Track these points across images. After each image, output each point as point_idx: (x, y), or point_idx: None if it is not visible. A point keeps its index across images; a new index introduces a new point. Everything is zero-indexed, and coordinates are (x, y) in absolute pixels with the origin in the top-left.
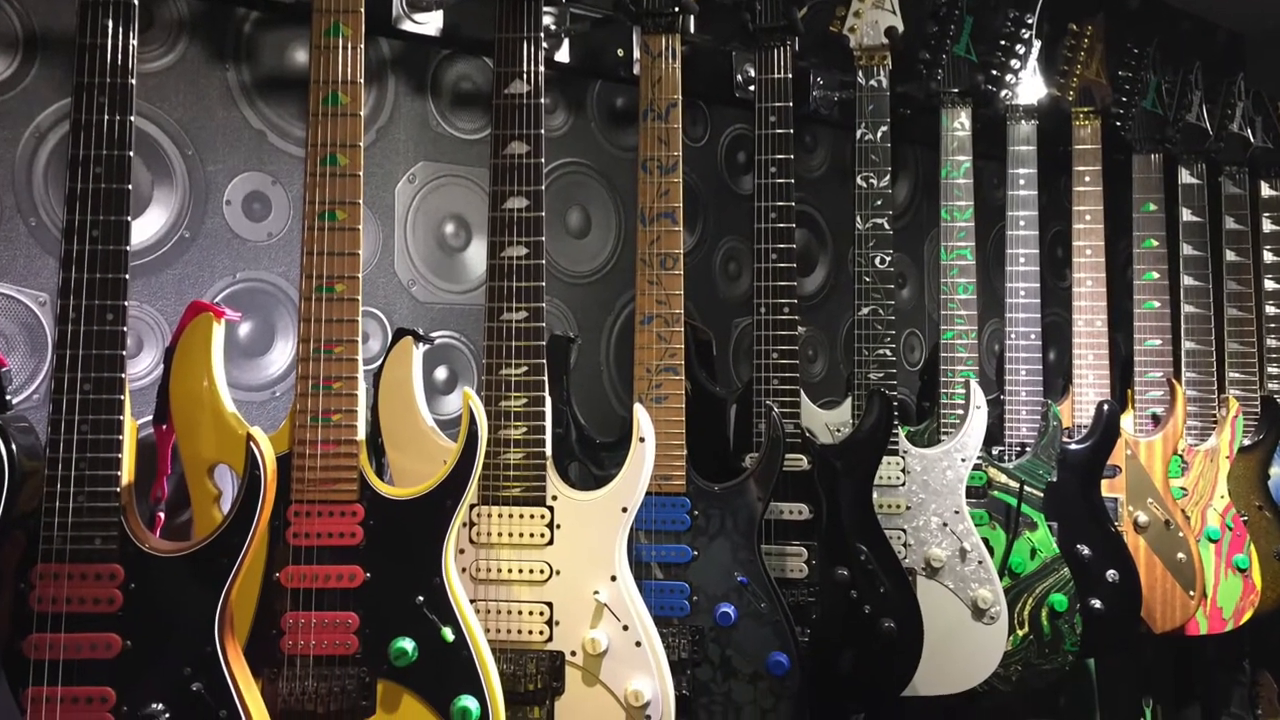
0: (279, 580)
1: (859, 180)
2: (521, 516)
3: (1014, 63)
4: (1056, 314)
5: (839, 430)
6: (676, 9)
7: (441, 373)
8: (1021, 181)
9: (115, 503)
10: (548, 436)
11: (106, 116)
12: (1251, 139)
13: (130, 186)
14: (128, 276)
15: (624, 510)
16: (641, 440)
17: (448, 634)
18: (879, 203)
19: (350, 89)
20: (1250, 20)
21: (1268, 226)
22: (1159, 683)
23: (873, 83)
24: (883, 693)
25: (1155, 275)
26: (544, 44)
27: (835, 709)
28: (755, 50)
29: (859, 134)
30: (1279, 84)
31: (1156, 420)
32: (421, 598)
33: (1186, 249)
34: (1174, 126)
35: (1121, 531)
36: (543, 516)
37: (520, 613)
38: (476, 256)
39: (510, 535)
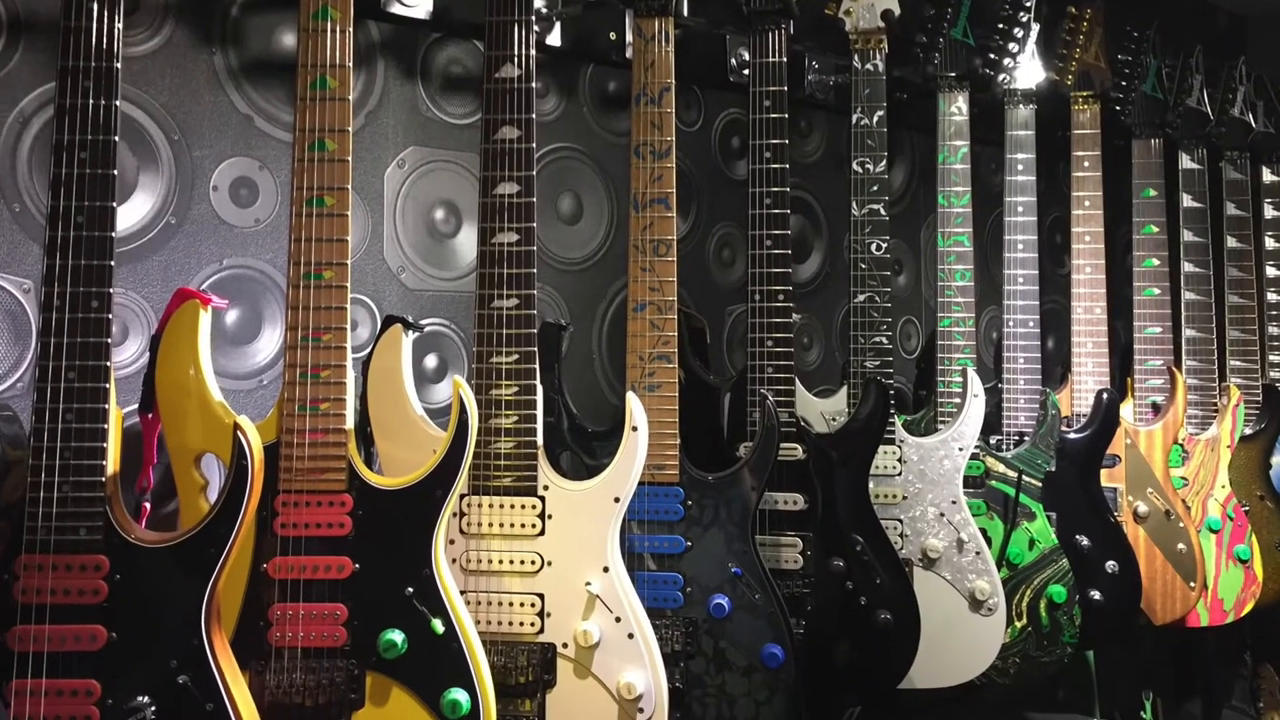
0: (266, 571)
1: (855, 165)
2: (512, 506)
3: (1012, 46)
4: (1055, 301)
5: (834, 419)
6: None
7: (431, 361)
8: (1020, 167)
9: (100, 493)
10: (539, 425)
11: (91, 101)
12: (1253, 123)
13: (115, 172)
14: (113, 263)
15: (616, 500)
16: (634, 429)
17: (438, 626)
18: (875, 188)
19: (339, 73)
20: (1251, 3)
21: (1269, 212)
22: (1159, 675)
23: (868, 66)
24: (879, 685)
25: (1155, 262)
26: (535, 27)
27: (830, 702)
28: (749, 33)
29: (855, 118)
30: None
31: (1156, 409)
32: (411, 589)
33: (1187, 235)
34: (1174, 111)
35: (1121, 522)
36: (534, 506)
37: (511, 604)
38: (467, 243)
39: (501, 525)
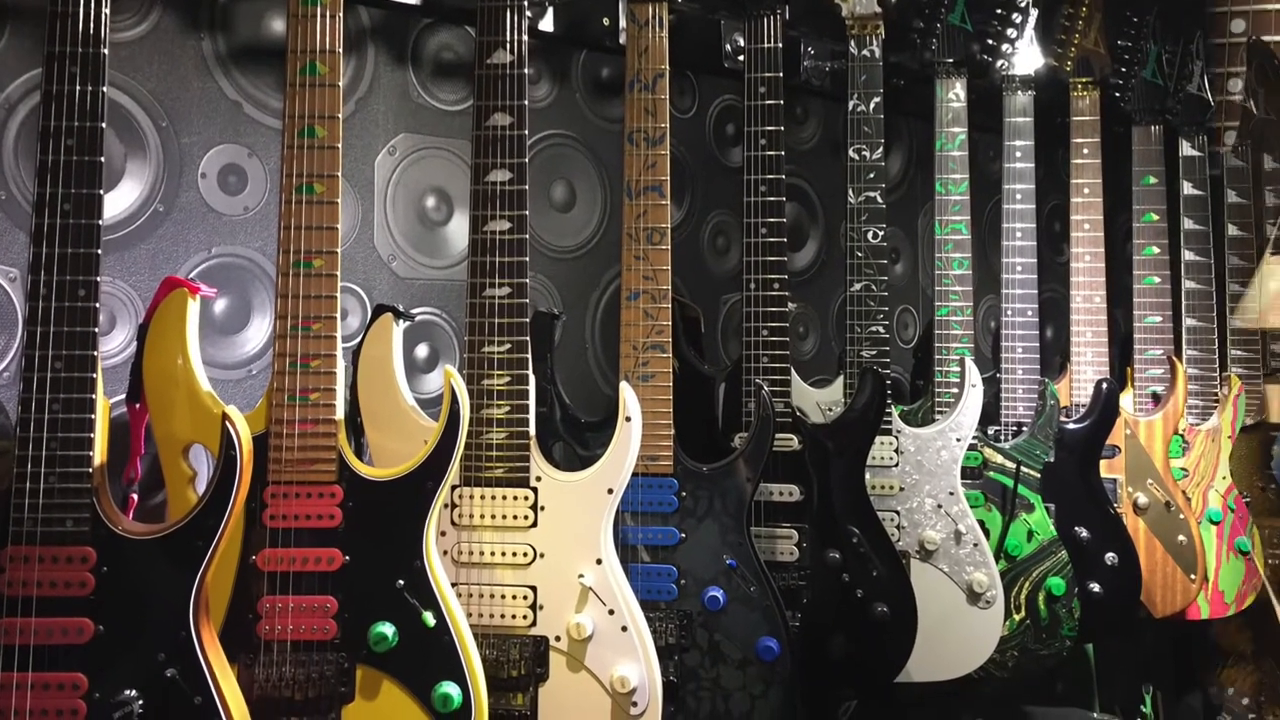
0: (255, 563)
1: (851, 153)
2: (504, 498)
3: (1010, 32)
4: (1054, 290)
5: (830, 409)
6: None
7: (422, 350)
8: (1018, 154)
9: (87, 484)
10: (531, 416)
11: (78, 87)
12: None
13: (102, 159)
14: (100, 251)
15: (610, 491)
16: (628, 420)
17: (429, 618)
18: (872, 176)
19: (329, 59)
20: None
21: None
22: (1159, 668)
23: (865, 52)
24: (875, 679)
25: (1155, 250)
26: (528, 12)
27: (826, 695)
28: (745, 19)
29: (851, 105)
30: None
31: (1157, 399)
32: (402, 581)
33: (1187, 223)
34: (1175, 97)
35: (1121, 513)
36: (526, 498)
37: (503, 597)
38: (458, 231)
39: (493, 517)
